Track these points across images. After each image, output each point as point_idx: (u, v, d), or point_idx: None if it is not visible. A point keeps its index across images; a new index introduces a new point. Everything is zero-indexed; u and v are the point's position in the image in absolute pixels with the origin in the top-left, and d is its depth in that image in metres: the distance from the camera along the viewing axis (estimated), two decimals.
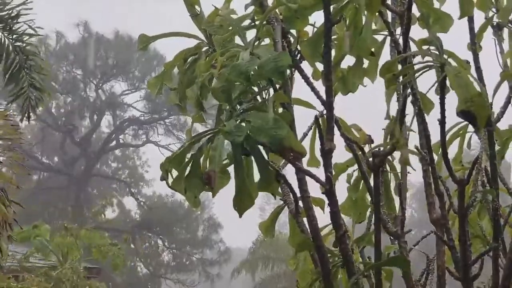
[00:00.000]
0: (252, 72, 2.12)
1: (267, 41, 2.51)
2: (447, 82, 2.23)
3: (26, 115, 11.10)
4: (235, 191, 2.17)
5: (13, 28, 11.01)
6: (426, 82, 2.41)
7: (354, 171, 2.80)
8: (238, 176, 2.15)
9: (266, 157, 2.20)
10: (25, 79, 10.98)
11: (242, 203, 2.18)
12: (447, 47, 2.27)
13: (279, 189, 2.66)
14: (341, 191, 2.77)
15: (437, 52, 2.25)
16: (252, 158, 2.18)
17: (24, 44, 11.10)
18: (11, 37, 11.02)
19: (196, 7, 2.65)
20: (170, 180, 2.25)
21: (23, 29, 11.18)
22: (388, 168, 2.80)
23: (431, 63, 2.26)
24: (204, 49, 2.61)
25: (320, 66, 2.49)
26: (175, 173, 2.24)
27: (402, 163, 2.63)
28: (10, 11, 11.00)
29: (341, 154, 2.63)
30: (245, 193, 2.17)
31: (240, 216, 2.21)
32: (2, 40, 11.04)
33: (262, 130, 2.08)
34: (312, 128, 2.67)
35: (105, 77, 40.43)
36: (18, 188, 7.83)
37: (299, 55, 2.53)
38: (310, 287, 2.67)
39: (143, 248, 39.35)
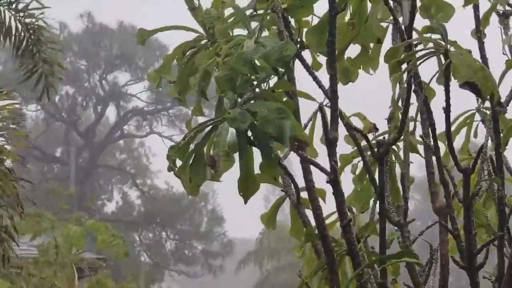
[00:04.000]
0: (257, 61, 2.11)
1: (266, 32, 2.50)
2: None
3: (44, 92, 10.95)
4: (240, 176, 2.17)
5: (19, 5, 10.93)
6: (428, 72, 2.41)
7: (359, 161, 2.79)
8: (243, 162, 2.15)
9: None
10: (37, 55, 10.88)
11: (247, 188, 2.18)
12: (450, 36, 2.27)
13: (280, 180, 2.66)
14: (348, 182, 2.78)
15: (440, 40, 2.25)
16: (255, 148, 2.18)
17: (33, 20, 11.02)
18: (17, 13, 10.96)
19: (195, 0, 2.64)
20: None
21: (28, 4, 11.11)
22: (393, 158, 2.80)
23: (435, 50, 2.25)
24: (203, 42, 2.60)
25: (320, 57, 2.49)
26: (179, 162, 2.24)
27: (409, 149, 2.61)
28: None
29: (341, 146, 2.63)
30: (250, 178, 2.17)
31: (246, 202, 2.21)
32: (8, 18, 10.97)
33: (269, 120, 2.07)
34: (312, 118, 2.66)
35: (109, 67, 40.43)
36: (24, 166, 7.81)
37: (299, 45, 2.53)
38: (314, 275, 2.67)
39: (147, 239, 39.49)
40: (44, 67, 10.84)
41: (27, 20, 10.85)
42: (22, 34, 10.82)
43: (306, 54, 2.56)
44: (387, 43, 2.63)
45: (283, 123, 2.06)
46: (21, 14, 10.83)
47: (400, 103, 2.55)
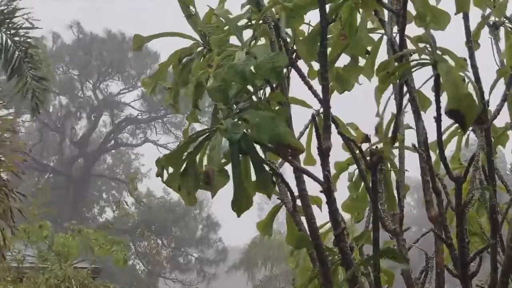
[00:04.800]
0: (248, 72, 2.12)
1: (263, 40, 2.51)
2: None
3: (35, 107, 11.05)
4: (233, 193, 2.17)
5: (10, 23, 10.98)
6: (424, 79, 2.41)
7: (354, 169, 2.80)
8: (235, 178, 2.15)
9: (263, 156, 2.21)
10: (27, 72, 10.97)
11: (240, 205, 2.18)
12: (447, 45, 2.27)
13: (277, 188, 2.66)
14: (343, 190, 2.78)
15: (430, 50, 2.25)
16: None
17: (22, 38, 11.08)
18: (8, 32, 10.99)
19: (191, 7, 2.66)
20: (166, 177, 2.25)
21: (21, 24, 11.18)
22: (389, 166, 2.80)
23: (425, 61, 2.26)
24: (199, 49, 2.61)
25: (315, 65, 2.50)
26: (170, 170, 2.25)
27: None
28: (6, 6, 10.98)
29: (339, 153, 2.63)
30: (243, 195, 2.17)
31: (239, 216, 2.21)
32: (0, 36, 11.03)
33: (261, 128, 2.08)
34: (309, 127, 2.67)
35: (101, 77, 40.39)
36: (20, 179, 7.80)
37: (295, 54, 2.53)
38: (308, 284, 2.68)
39: (142, 247, 39.34)
40: (32, 84, 10.95)
41: (16, 38, 10.93)
42: (12, 51, 10.90)
43: (302, 62, 2.56)
44: (383, 52, 2.64)
45: (275, 131, 2.07)
46: (12, 31, 10.89)
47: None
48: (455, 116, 2.11)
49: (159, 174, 2.24)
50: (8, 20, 10.96)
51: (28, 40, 11.19)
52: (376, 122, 2.37)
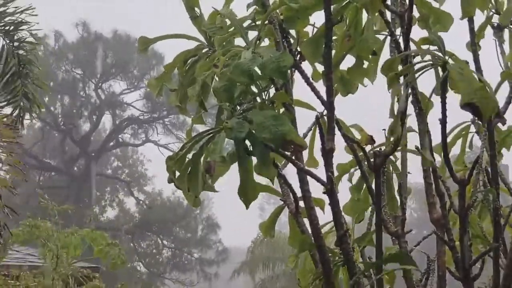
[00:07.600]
0: (254, 71, 2.12)
1: (266, 42, 2.51)
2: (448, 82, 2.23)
3: (15, 123, 11.10)
4: (240, 182, 2.19)
5: (15, 35, 10.99)
6: (425, 82, 2.41)
7: (355, 170, 2.80)
8: (242, 167, 2.17)
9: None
10: (19, 88, 11.02)
11: (247, 193, 2.20)
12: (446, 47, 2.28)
13: (279, 190, 2.67)
14: (345, 192, 2.78)
15: (437, 51, 2.25)
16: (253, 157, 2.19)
17: (24, 52, 11.10)
18: (12, 43, 11.02)
19: (196, 9, 2.66)
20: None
21: (24, 36, 11.20)
22: (390, 168, 2.80)
23: (433, 62, 2.26)
24: (204, 50, 2.62)
25: (319, 67, 2.50)
26: (177, 172, 2.26)
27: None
28: (14, 18, 10.99)
29: (341, 155, 2.63)
30: (250, 184, 2.19)
31: (247, 207, 2.22)
32: (2, 45, 11.05)
33: (264, 126, 2.10)
34: (312, 128, 2.67)
35: (104, 76, 40.40)
36: (14, 193, 7.77)
37: (299, 55, 2.54)
38: (310, 286, 2.67)
39: (143, 247, 39.35)
40: (23, 101, 10.99)
41: (20, 52, 10.94)
42: (10, 64, 10.92)
43: (306, 64, 2.57)
44: (385, 54, 2.64)
45: (278, 129, 2.09)
46: (15, 44, 10.89)
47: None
48: (472, 109, 2.11)
49: (172, 180, 2.25)
50: (13, 32, 10.97)
51: (28, 56, 11.19)
52: (387, 125, 2.36)
